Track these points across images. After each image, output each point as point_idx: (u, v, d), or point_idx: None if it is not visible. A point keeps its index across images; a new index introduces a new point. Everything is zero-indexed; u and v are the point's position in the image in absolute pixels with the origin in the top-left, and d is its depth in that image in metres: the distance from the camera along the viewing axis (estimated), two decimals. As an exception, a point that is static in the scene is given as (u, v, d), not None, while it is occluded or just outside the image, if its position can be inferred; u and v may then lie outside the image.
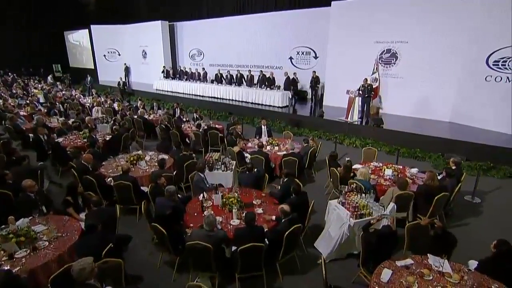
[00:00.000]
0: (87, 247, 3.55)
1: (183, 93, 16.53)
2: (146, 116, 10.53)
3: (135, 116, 10.37)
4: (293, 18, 14.83)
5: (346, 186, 5.17)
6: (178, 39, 20.51)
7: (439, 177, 5.55)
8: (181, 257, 4.11)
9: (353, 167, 6.18)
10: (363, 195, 4.91)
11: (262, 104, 13.59)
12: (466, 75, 9.90)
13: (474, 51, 9.54)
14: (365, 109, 10.74)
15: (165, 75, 18.17)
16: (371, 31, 11.70)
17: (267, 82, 13.91)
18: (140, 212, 5.59)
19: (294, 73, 13.63)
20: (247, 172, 5.79)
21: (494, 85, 9.17)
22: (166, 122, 9.26)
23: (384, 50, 11.66)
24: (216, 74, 16.01)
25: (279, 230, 4.03)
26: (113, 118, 9.80)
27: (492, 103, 9.23)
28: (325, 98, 13.39)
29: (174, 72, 18.14)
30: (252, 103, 13.84)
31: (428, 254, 3.62)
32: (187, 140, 8.65)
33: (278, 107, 13.12)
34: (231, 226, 4.30)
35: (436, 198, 4.93)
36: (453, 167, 5.86)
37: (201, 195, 4.95)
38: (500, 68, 8.96)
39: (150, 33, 19.88)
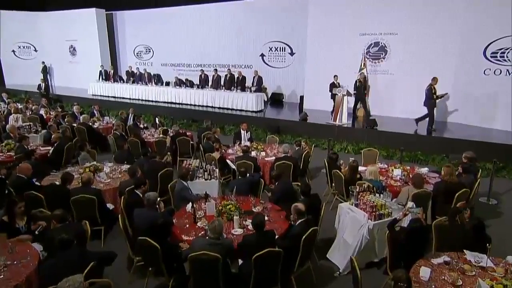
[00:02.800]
0: (61, 267, 3.41)
1: (129, 98, 16.23)
2: (91, 124, 10.28)
3: (74, 124, 10.07)
4: (265, 9, 15.49)
5: (358, 186, 5.47)
6: (119, 33, 20.38)
7: (455, 174, 6.11)
8: (176, 278, 4.06)
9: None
10: (377, 195, 5.25)
11: (232, 109, 13.83)
12: (463, 69, 10.99)
13: (470, 42, 10.66)
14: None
15: (103, 77, 17.71)
16: (355, 21, 12.51)
17: (237, 83, 14.22)
18: (106, 234, 5.48)
19: (335, 76, 12.12)
20: (239, 177, 5.92)
21: (494, 79, 10.28)
22: (121, 130, 9.22)
23: (371, 44, 12.58)
24: (176, 77, 16.01)
25: (293, 233, 4.17)
26: (48, 126, 9.46)
27: (493, 99, 10.32)
28: (305, 100, 13.74)
29: (115, 73, 17.79)
30: (219, 107, 14.04)
31: (464, 251, 3.99)
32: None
33: (252, 111, 13.43)
34: (234, 236, 4.38)
35: (456, 195, 5.41)
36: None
37: (189, 205, 4.97)
38: (499, 60, 10.13)
39: (81, 23, 19.50)
